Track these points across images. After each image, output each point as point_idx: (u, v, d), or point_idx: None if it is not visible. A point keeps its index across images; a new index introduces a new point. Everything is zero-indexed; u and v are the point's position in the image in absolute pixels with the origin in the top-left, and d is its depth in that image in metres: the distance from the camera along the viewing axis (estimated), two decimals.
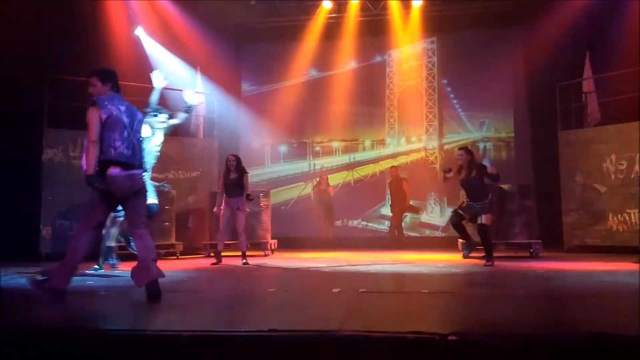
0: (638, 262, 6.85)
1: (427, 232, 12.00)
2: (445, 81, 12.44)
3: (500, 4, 11.50)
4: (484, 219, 7.10)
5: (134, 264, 4.51)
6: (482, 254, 7.30)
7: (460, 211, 7.40)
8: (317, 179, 11.56)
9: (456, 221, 7.48)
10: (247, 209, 8.03)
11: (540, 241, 8.50)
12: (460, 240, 8.55)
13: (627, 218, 8.80)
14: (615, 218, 8.96)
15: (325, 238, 11.17)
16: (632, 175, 8.71)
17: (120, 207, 4.81)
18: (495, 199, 8.34)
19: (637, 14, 9.44)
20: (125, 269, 6.95)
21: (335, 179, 12.55)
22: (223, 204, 7.80)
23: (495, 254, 8.48)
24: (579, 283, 5.43)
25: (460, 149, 7.55)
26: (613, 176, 9.06)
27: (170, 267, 7.37)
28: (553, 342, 2.73)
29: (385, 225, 11.96)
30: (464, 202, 7.39)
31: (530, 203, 8.77)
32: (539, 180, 10.78)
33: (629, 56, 9.10)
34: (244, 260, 7.63)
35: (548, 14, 10.53)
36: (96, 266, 6.67)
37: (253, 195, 8.16)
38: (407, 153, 12.37)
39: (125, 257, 7.73)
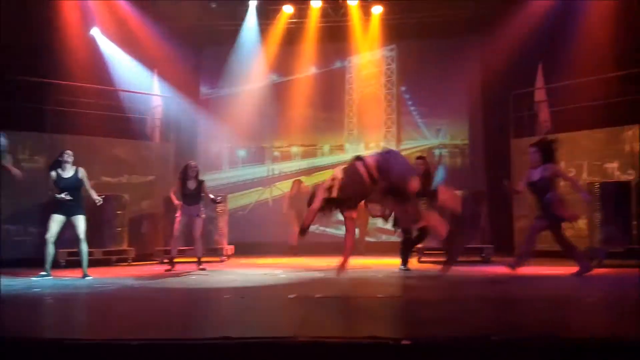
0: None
1: (384, 237, 12.10)
2: (403, 88, 12.61)
3: (457, 15, 11.74)
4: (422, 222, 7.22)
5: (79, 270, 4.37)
6: (437, 259, 7.38)
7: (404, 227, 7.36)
8: (291, 185, 11.36)
9: (405, 245, 7.45)
10: (204, 215, 7.92)
11: (491, 246, 8.70)
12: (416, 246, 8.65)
13: (574, 223, 9.08)
14: (563, 224, 9.23)
15: (299, 245, 10.92)
16: (580, 182, 9.01)
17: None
18: None
19: (587, 28, 9.82)
20: (73, 275, 6.75)
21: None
22: (179, 212, 7.67)
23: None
24: (529, 287, 5.57)
25: (418, 158, 7.63)
26: (562, 183, 9.35)
27: (122, 274, 7.20)
28: (504, 344, 2.78)
29: (342, 231, 11.96)
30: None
31: (483, 208, 8.97)
32: (492, 186, 11.02)
33: (579, 67, 9.45)
34: (201, 267, 7.52)
35: (503, 25, 10.81)
36: (43, 273, 6.46)
37: (217, 200, 8.13)
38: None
39: (72, 264, 7.51)
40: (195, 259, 7.74)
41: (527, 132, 10.09)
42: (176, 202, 7.75)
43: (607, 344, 2.74)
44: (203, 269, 7.45)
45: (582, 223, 8.87)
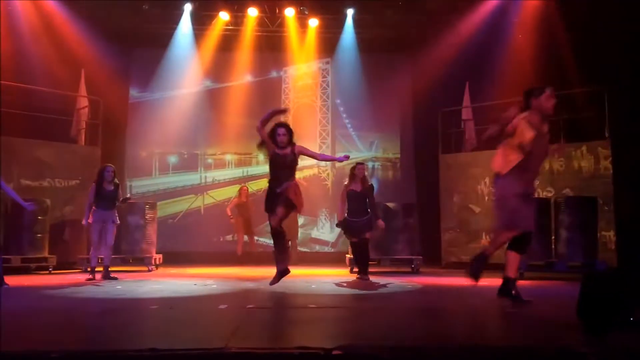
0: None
1: (317, 248, 12.16)
2: (338, 101, 12.79)
3: (389, 32, 12.07)
4: (369, 234, 7.36)
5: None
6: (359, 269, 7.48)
7: (353, 239, 7.49)
8: (238, 192, 11.16)
9: (356, 252, 7.58)
10: (118, 222, 7.65)
11: (421, 257, 8.95)
12: (347, 256, 8.76)
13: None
14: (488, 237, 9.65)
15: (245, 253, 10.73)
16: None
17: None
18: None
19: (511, 50, 10.37)
20: None
21: (227, 193, 12.35)
22: (92, 217, 7.39)
23: (380, 269, 8.82)
24: (456, 297, 5.76)
25: (360, 163, 7.80)
26: (487, 198, 9.79)
27: (42, 282, 6.83)
28: (431, 353, 2.85)
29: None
30: (345, 219, 7.46)
31: (413, 221, 9.22)
32: (422, 199, 11.37)
33: (504, 88, 9.93)
34: (111, 275, 7.30)
35: (433, 44, 11.24)
36: None
37: (128, 198, 8.00)
38: (300, 169, 12.42)
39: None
40: (122, 268, 7.47)
41: (455, 148, 10.50)
42: (84, 221, 7.50)
43: (527, 352, 2.87)
44: (114, 278, 7.20)
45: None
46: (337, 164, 12.46)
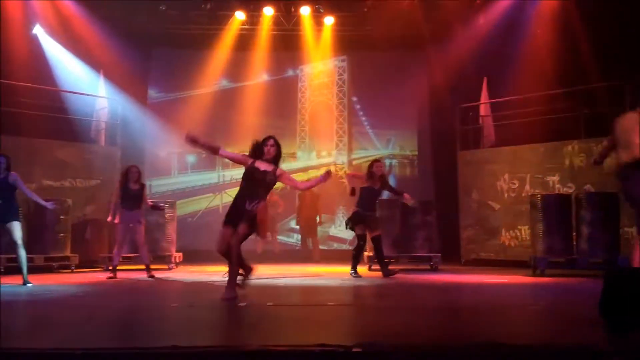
0: (531, 275, 7.36)
1: (335, 245, 12.16)
2: (354, 98, 12.76)
3: (406, 28, 12.00)
4: (377, 231, 7.38)
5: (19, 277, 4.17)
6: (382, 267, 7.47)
7: (360, 233, 7.46)
8: None
9: (363, 246, 7.58)
10: (144, 220, 7.74)
11: (439, 254, 8.89)
12: (366, 254, 8.74)
13: (518, 234, 9.44)
14: (507, 233, 9.58)
15: (264, 251, 10.78)
16: (523, 194, 9.36)
17: None
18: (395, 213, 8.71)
19: (530, 45, 10.25)
20: (13, 282, 6.44)
21: None
22: (118, 217, 7.49)
23: (398, 267, 8.79)
24: (476, 294, 5.72)
25: (377, 160, 7.78)
26: (506, 194, 9.69)
27: (64, 281, 6.93)
28: (452, 351, 2.84)
29: (294, 239, 11.97)
30: (357, 211, 7.40)
31: (431, 218, 9.17)
32: (440, 197, 11.29)
33: (523, 84, 9.84)
34: (150, 274, 7.38)
35: (450, 40, 11.15)
36: None
37: (160, 206, 7.99)
38: (317, 167, 12.51)
39: (12, 270, 7.17)
40: (142, 267, 7.56)
41: (473, 144, 10.41)
42: (109, 218, 7.62)
43: (550, 350, 2.84)
44: (152, 276, 7.29)
45: (525, 233, 9.22)
46: (354, 162, 12.46)
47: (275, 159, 5.33)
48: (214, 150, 5.33)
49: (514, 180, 9.61)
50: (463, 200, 10.24)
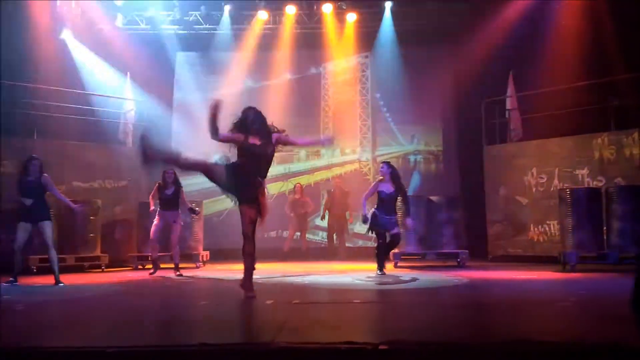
0: (560, 270, 7.25)
1: (360, 243, 12.14)
2: (378, 95, 12.71)
3: (429, 23, 11.90)
4: (397, 229, 7.34)
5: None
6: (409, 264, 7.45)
7: (381, 230, 7.39)
8: (294, 189, 11.33)
9: (384, 243, 7.51)
10: (182, 222, 7.92)
11: (466, 251, 8.81)
12: (391, 251, 8.71)
13: (547, 229, 9.29)
14: (536, 229, 9.43)
15: (290, 249, 10.85)
16: (552, 189, 9.21)
17: None
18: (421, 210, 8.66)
19: (557, 37, 10.07)
20: (45, 282, 6.60)
21: (270, 190, 12.47)
22: (157, 217, 7.69)
23: (425, 264, 8.75)
24: (504, 291, 5.66)
25: (383, 162, 7.72)
26: (534, 189, 9.55)
27: (95, 280, 7.08)
28: (479, 348, 2.82)
29: (320, 236, 11.99)
30: (375, 214, 7.34)
31: (458, 214, 9.09)
32: (466, 192, 11.18)
33: (550, 76, 9.67)
34: (178, 272, 7.55)
35: (475, 34, 11.00)
36: (11, 279, 6.33)
37: (195, 212, 8.16)
38: (341, 164, 12.51)
39: (44, 270, 7.36)
40: (171, 265, 7.71)
41: (499, 139, 10.27)
42: (152, 207, 7.79)
43: (580, 347, 2.80)
44: (180, 275, 7.45)
45: (554, 228, 9.07)
46: (378, 158, 12.40)
47: (263, 130, 5.13)
48: (215, 131, 5.09)
49: (542, 174, 9.46)
50: (490, 195, 10.12)
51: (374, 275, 7.12)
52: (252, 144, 5.02)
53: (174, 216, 7.70)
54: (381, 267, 7.26)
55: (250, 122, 5.10)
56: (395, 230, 7.34)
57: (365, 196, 7.52)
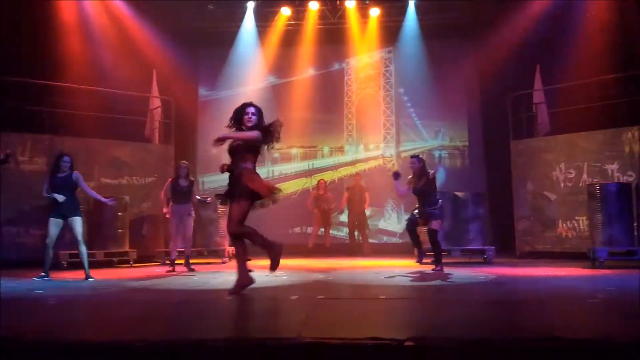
0: (590, 267, 7.12)
1: (385, 239, 12.11)
2: (402, 90, 12.63)
3: (454, 17, 11.77)
4: (433, 224, 7.26)
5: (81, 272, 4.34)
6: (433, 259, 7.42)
7: (416, 216, 7.45)
8: (317, 185, 11.39)
9: (411, 228, 7.54)
10: (194, 215, 8.06)
11: (493, 247, 8.72)
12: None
13: (576, 225, 9.12)
14: (564, 225, 9.27)
15: (314, 246, 10.88)
16: (581, 184, 9.04)
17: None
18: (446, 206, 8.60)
19: (585, 29, 9.85)
20: (75, 277, 6.75)
21: (294, 186, 12.53)
22: (170, 211, 7.86)
23: (451, 260, 8.67)
24: (531, 288, 5.58)
25: (412, 157, 7.66)
26: (562, 184, 9.38)
27: (124, 275, 7.20)
28: (507, 346, 2.78)
29: (344, 232, 11.99)
30: (417, 207, 7.47)
31: (484, 210, 9.00)
32: (492, 188, 11.05)
33: (577, 69, 9.47)
34: (189, 267, 7.75)
35: (501, 27, 10.85)
36: (43, 274, 6.48)
37: (206, 201, 8.28)
38: (365, 160, 12.48)
39: (74, 265, 7.51)
40: (200, 260, 7.86)
41: (526, 133, 10.12)
42: (166, 211, 8.03)
43: (609, 345, 2.75)
44: (192, 270, 7.60)
45: (583, 224, 8.91)
46: (402, 154, 12.34)
47: (257, 127, 5.06)
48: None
49: (570, 169, 9.29)
50: (517, 191, 9.97)
51: (398, 271, 7.11)
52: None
53: (187, 209, 7.83)
54: (420, 255, 7.30)
55: (247, 120, 5.09)
56: (428, 225, 7.29)
57: (400, 191, 7.52)
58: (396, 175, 7.31)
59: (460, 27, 11.89)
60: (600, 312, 4.01)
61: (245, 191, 4.87)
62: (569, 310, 4.09)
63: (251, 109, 5.08)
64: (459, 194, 8.99)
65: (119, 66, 11.03)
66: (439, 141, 12.45)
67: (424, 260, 7.98)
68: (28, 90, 8.93)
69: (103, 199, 7.00)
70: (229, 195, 5.03)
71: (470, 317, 3.81)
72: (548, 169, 9.54)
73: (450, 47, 12.23)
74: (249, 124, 5.03)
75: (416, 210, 7.41)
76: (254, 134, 4.99)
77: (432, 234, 7.27)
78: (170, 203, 7.88)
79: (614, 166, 8.73)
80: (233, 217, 4.96)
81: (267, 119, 5.24)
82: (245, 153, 5.01)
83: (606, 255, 7.46)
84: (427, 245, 7.64)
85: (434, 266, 7.21)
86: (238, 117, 5.10)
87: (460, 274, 6.83)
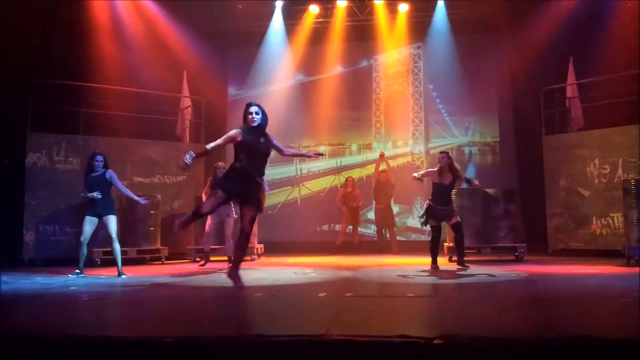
0: (624, 265, 6.95)
1: (413, 236, 12.02)
2: (431, 86, 12.51)
3: (485, 10, 11.60)
4: (454, 219, 7.23)
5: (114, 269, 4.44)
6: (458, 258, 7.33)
7: (434, 224, 7.30)
8: (345, 183, 11.41)
9: (434, 245, 7.35)
10: (235, 215, 8.07)
11: (525, 244, 8.58)
12: (446, 245, 8.59)
13: (610, 222, 8.90)
14: (599, 222, 9.06)
15: (342, 243, 10.88)
16: (615, 180, 8.82)
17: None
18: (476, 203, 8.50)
19: (619, 21, 9.59)
20: (108, 273, 6.90)
21: (322, 184, 12.55)
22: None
23: (481, 258, 8.58)
24: (564, 286, 5.48)
25: (441, 152, 7.58)
26: (597, 180, 9.17)
27: (156, 272, 7.33)
28: (538, 345, 2.75)
29: (372, 230, 11.96)
30: (430, 206, 7.24)
31: (515, 207, 8.86)
32: (524, 184, 10.86)
33: (612, 62, 9.23)
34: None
35: (533, 19, 10.64)
36: (77, 271, 6.65)
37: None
38: (393, 157, 12.40)
39: (107, 263, 7.68)
40: (223, 258, 7.90)
41: (559, 128, 9.91)
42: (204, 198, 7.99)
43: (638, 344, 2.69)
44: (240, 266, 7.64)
45: (618, 221, 8.69)
46: (432, 151, 12.23)
47: (262, 126, 5.12)
48: (205, 152, 5.20)
49: (604, 165, 9.06)
50: (549, 187, 9.78)
51: (427, 269, 7.05)
52: (254, 139, 5.05)
53: (227, 210, 7.85)
54: (434, 260, 7.19)
55: (250, 120, 5.11)
56: (453, 220, 7.24)
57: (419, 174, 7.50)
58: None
59: (490, 22, 11.70)
60: (634, 311, 3.92)
61: (260, 202, 5.17)
62: (602, 309, 4.00)
63: (254, 109, 5.16)
64: (490, 190, 8.87)
65: (150, 66, 11.22)
66: (469, 137, 12.29)
67: (453, 258, 7.90)
68: (62, 91, 9.15)
69: (137, 198, 7.13)
70: (242, 195, 5.12)
71: (500, 316, 3.77)
72: (582, 164, 9.33)
73: (480, 41, 12.05)
74: (254, 124, 5.10)
75: (438, 209, 7.21)
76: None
77: (459, 226, 7.24)
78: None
79: None
80: (252, 222, 5.21)
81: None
82: (267, 159, 5.23)
83: None
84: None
85: (456, 264, 7.19)
86: (244, 119, 5.21)
87: (490, 271, 6.75)
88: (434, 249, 7.27)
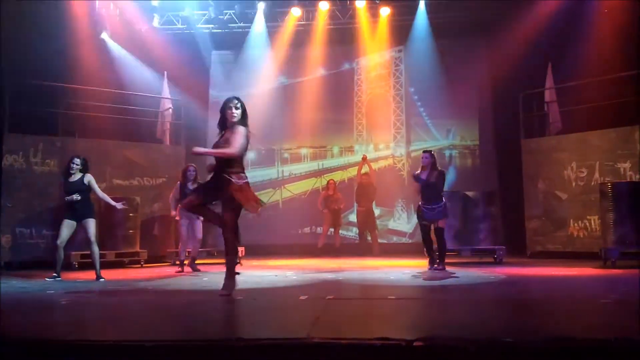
0: (601, 267, 7.05)
1: (395, 239, 12.09)
2: (412, 89, 12.60)
3: (464, 15, 11.72)
4: (440, 222, 7.30)
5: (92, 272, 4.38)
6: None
7: (424, 222, 7.42)
8: (327, 185, 11.39)
9: (426, 237, 7.48)
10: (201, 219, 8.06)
11: (504, 247, 8.67)
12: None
13: (587, 224, 9.05)
14: (576, 224, 9.20)
15: (331, 247, 10.85)
16: (592, 183, 8.96)
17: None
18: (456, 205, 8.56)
19: (596, 26, 9.77)
20: (86, 277, 6.80)
21: (303, 186, 12.55)
22: (178, 214, 7.90)
23: (461, 260, 8.64)
24: (542, 288, 5.55)
25: (424, 151, 7.65)
26: (574, 183, 9.31)
27: (135, 276, 7.25)
28: (517, 346, 2.77)
29: (353, 232, 11.99)
30: (419, 206, 7.40)
31: (495, 209, 8.95)
32: (504, 187, 10.99)
33: (589, 67, 9.40)
34: (195, 268, 7.79)
35: (511, 25, 10.79)
36: (54, 274, 6.55)
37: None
38: (375, 160, 12.45)
39: (85, 266, 7.57)
40: (206, 261, 7.85)
41: (537, 132, 10.05)
42: (173, 214, 8.09)
43: (622, 345, 2.72)
44: (197, 270, 7.67)
45: (595, 224, 8.83)
46: (413, 154, 12.31)
47: (242, 122, 4.97)
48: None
49: (582, 168, 9.22)
50: (528, 190, 9.91)
51: (407, 271, 7.09)
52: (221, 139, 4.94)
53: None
54: (432, 262, 7.26)
55: (230, 115, 5.00)
56: (437, 225, 7.29)
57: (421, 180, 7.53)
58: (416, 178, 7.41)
59: (470, 26, 11.84)
60: (612, 312, 3.98)
61: (233, 201, 4.82)
62: (580, 311, 4.06)
63: (234, 103, 5.00)
64: (470, 193, 8.96)
65: (130, 68, 11.13)
66: (449, 140, 12.41)
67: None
68: (41, 92, 9.01)
69: (113, 202, 7.04)
70: (209, 195, 5.00)
71: (480, 317, 3.79)
72: (559, 168, 9.47)
73: (461, 45, 12.18)
74: (233, 119, 4.97)
75: (424, 208, 7.31)
76: (232, 150, 4.81)
77: (441, 232, 7.30)
78: (179, 206, 7.87)
79: (627, 165, 8.65)
80: (229, 225, 4.93)
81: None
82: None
83: (618, 255, 7.40)
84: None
85: (436, 265, 7.26)
86: (223, 113, 5.08)
87: (470, 273, 6.80)
88: (428, 250, 7.45)
